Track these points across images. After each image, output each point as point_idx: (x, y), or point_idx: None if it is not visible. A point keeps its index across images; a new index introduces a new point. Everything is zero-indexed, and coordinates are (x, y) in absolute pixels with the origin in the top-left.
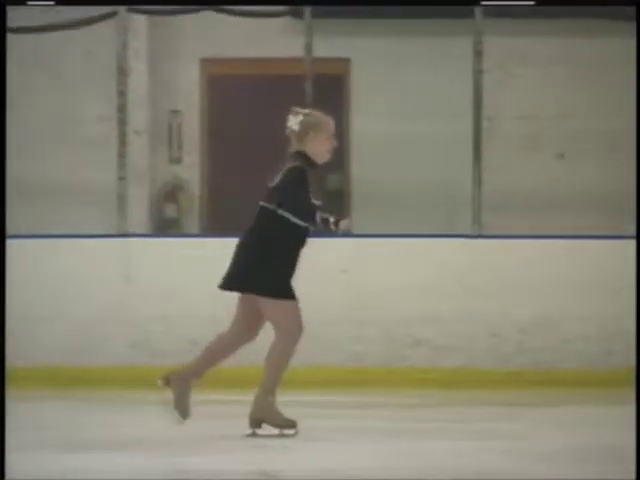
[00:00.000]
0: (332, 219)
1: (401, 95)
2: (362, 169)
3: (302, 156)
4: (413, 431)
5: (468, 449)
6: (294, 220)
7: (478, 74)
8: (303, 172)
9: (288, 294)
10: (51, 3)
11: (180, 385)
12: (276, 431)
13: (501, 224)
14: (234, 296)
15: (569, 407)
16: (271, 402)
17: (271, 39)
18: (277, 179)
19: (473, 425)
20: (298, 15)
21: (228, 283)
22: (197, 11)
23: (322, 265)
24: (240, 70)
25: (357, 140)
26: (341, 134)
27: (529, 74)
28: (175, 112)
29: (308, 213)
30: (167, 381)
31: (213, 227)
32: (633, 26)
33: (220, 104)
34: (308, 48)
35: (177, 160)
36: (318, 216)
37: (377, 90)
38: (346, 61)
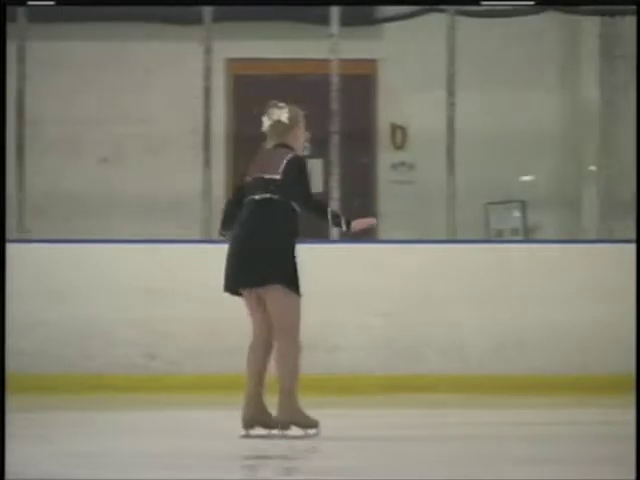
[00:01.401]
0: (344, 219)
1: None
2: None
3: (289, 148)
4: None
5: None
6: (298, 211)
7: (21, 79)
8: (306, 163)
9: (298, 289)
10: (51, 3)
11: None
12: (301, 432)
13: (45, 228)
14: None
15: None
16: (296, 403)
17: None
18: (277, 170)
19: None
20: None
21: (245, 281)
22: None
23: None
24: None
25: None
26: None
27: (71, 78)
28: None
29: (322, 207)
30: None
31: None
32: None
33: None
34: None
35: None
36: (330, 212)
37: None
38: None
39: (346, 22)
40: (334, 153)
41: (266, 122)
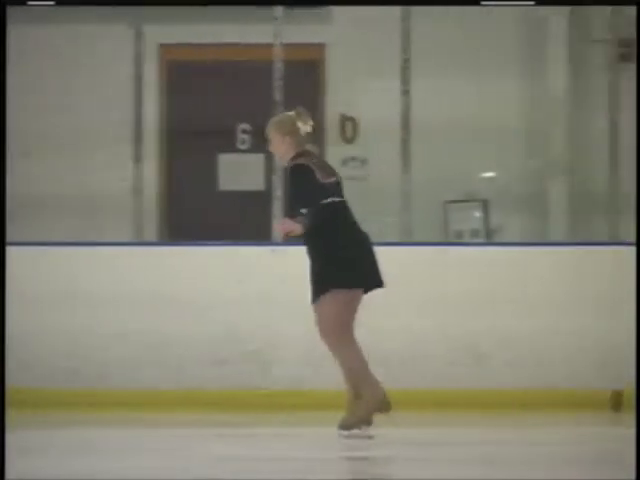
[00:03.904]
0: None
1: None
2: None
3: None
4: None
5: None
6: None
7: None
8: None
9: None
10: (51, 3)
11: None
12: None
13: None
14: None
15: None
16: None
17: None
18: (337, 175)
19: None
20: None
21: (375, 282)
22: None
23: None
24: None
25: None
26: None
27: None
28: None
29: None
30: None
31: None
32: None
33: None
34: None
35: None
36: None
37: None
38: None
39: (291, 4)
40: None
41: (307, 127)
